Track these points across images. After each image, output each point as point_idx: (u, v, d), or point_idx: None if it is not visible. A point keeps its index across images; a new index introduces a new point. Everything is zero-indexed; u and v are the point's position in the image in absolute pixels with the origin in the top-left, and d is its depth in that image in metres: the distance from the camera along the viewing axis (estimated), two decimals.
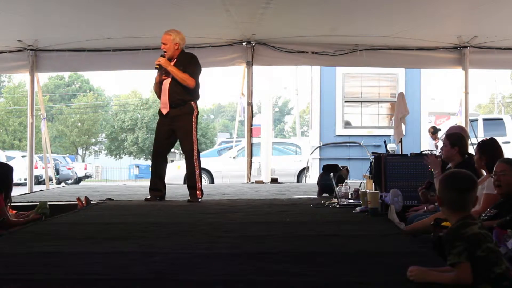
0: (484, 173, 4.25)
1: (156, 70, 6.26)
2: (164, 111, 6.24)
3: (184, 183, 13.60)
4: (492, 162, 3.93)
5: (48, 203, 5.26)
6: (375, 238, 3.70)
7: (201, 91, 6.34)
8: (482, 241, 2.41)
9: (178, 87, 6.14)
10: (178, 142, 6.47)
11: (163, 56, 6.23)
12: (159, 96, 6.36)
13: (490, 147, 4.22)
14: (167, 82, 6.18)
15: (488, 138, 4.51)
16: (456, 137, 4.75)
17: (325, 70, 13.18)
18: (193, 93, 6.25)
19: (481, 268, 2.37)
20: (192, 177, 6.25)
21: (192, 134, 6.22)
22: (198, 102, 6.39)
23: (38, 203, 5.21)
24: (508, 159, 3.69)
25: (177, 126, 6.23)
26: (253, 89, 10.13)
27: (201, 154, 6.50)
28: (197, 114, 6.29)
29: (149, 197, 6.36)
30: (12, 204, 5.13)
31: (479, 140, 5.42)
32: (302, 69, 24.86)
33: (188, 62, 6.22)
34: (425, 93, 13.42)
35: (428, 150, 7.82)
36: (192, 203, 6.02)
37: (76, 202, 5.93)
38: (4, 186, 4.68)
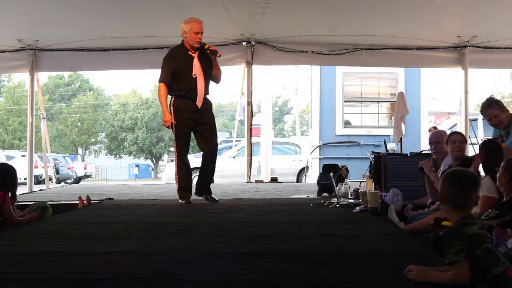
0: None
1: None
2: (199, 105, 6.00)
3: None
4: (489, 164, 3.93)
5: (48, 202, 5.27)
6: (375, 238, 3.70)
7: None
8: (481, 241, 2.41)
9: (208, 81, 6.10)
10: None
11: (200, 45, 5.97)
12: (186, 92, 6.00)
13: (491, 148, 4.21)
14: (200, 76, 5.99)
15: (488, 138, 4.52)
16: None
17: (325, 70, 13.18)
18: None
19: (479, 268, 2.37)
20: (212, 175, 6.19)
21: (216, 128, 6.19)
22: None
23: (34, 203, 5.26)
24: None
25: (204, 120, 6.08)
26: (253, 88, 10.14)
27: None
28: None
29: (186, 199, 6.04)
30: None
31: (479, 139, 5.43)
32: (302, 69, 24.91)
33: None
34: (425, 92, 13.42)
35: (429, 150, 7.81)
36: (192, 203, 5.98)
37: (77, 202, 5.93)
38: (11, 186, 4.86)
